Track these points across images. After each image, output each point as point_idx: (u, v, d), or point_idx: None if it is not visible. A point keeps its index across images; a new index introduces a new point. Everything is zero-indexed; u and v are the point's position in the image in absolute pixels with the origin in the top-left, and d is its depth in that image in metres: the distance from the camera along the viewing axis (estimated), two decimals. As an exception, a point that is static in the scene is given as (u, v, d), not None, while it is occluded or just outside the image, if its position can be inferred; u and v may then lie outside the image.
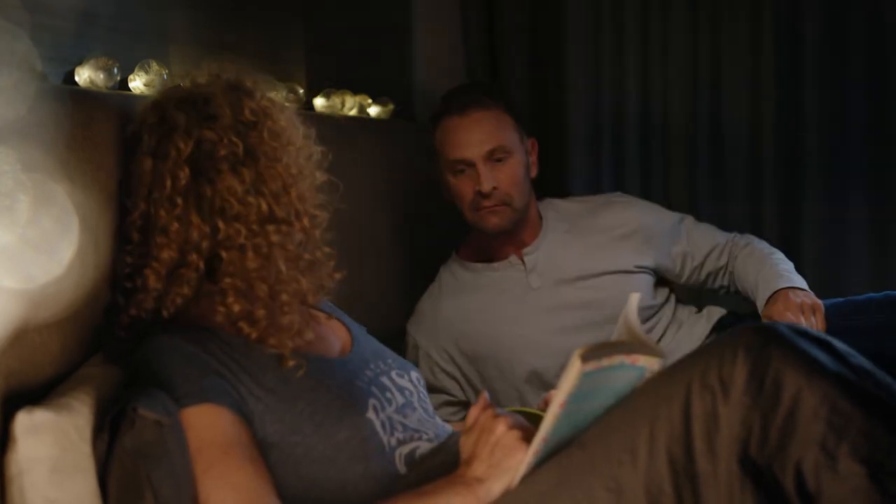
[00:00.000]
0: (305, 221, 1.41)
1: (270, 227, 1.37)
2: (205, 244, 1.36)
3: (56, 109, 1.26)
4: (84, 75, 1.64)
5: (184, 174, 1.35)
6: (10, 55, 1.26)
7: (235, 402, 1.33)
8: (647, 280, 2.19)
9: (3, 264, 1.14)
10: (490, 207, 2.08)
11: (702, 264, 2.24)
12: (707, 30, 2.60)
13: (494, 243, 2.18)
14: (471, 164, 2.07)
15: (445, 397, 2.17)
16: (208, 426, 1.29)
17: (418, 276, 2.40)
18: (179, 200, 1.35)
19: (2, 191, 1.15)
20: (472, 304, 2.16)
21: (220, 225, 1.36)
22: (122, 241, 1.39)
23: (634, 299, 1.28)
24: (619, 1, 2.66)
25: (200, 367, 1.32)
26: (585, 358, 1.16)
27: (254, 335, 1.37)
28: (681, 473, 1.13)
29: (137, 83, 1.75)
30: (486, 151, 2.06)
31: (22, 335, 1.20)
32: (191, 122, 1.38)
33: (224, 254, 1.37)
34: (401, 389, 1.49)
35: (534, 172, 2.18)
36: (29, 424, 1.17)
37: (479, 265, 2.20)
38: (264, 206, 1.38)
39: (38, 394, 1.23)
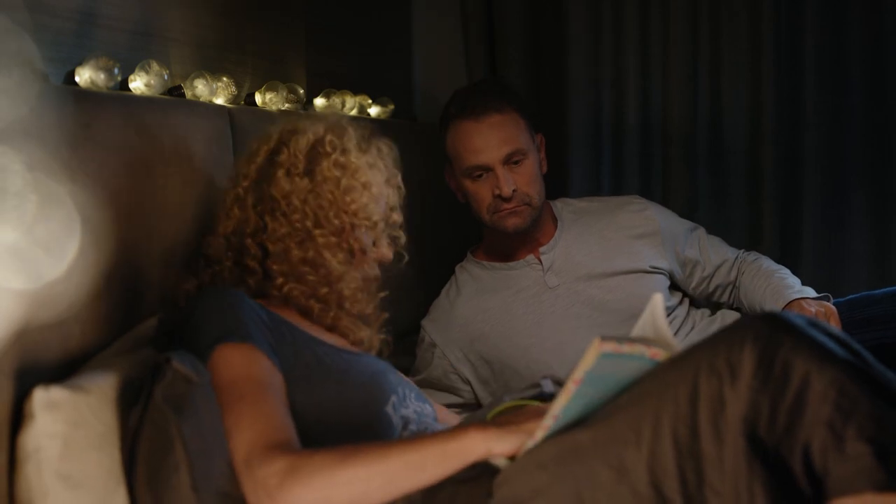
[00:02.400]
0: (355, 247, 1.54)
1: (318, 232, 1.51)
2: (258, 234, 1.52)
3: (57, 110, 1.26)
4: (85, 75, 1.64)
5: (252, 173, 1.54)
6: (11, 55, 1.25)
7: (276, 354, 1.38)
8: (663, 281, 2.19)
9: (7, 264, 1.15)
10: (510, 209, 2.09)
11: (711, 276, 2.26)
12: (707, 30, 2.61)
13: (511, 244, 2.19)
14: (489, 169, 2.09)
15: (453, 398, 2.17)
16: (244, 363, 1.34)
17: (419, 276, 2.40)
18: (242, 192, 1.54)
19: (4, 191, 1.15)
20: (489, 303, 2.17)
21: (268, 220, 1.52)
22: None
23: (659, 300, 1.28)
24: (619, 3, 2.66)
25: (250, 316, 1.39)
26: (605, 338, 1.18)
27: (328, 315, 1.50)
28: (685, 453, 1.14)
29: (138, 83, 1.74)
30: (505, 155, 2.08)
31: (25, 335, 1.20)
32: (279, 139, 1.56)
33: (270, 246, 1.52)
34: (418, 394, 1.56)
35: (544, 168, 2.19)
36: (46, 400, 1.19)
37: (497, 264, 2.22)
38: (309, 217, 1.51)
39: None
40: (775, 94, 2.53)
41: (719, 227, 2.59)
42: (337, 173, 1.53)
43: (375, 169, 1.57)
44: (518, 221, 2.11)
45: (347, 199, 1.53)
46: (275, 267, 1.51)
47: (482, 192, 2.11)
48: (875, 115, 2.49)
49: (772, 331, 1.15)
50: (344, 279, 1.52)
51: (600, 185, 2.70)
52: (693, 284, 2.26)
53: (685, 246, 2.25)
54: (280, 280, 1.50)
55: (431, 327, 2.21)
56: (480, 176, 2.10)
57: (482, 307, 2.17)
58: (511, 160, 2.08)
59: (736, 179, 2.61)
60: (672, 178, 2.66)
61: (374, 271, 1.59)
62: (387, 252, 1.60)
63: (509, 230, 2.12)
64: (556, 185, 2.67)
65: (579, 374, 1.20)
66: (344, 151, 1.55)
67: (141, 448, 1.23)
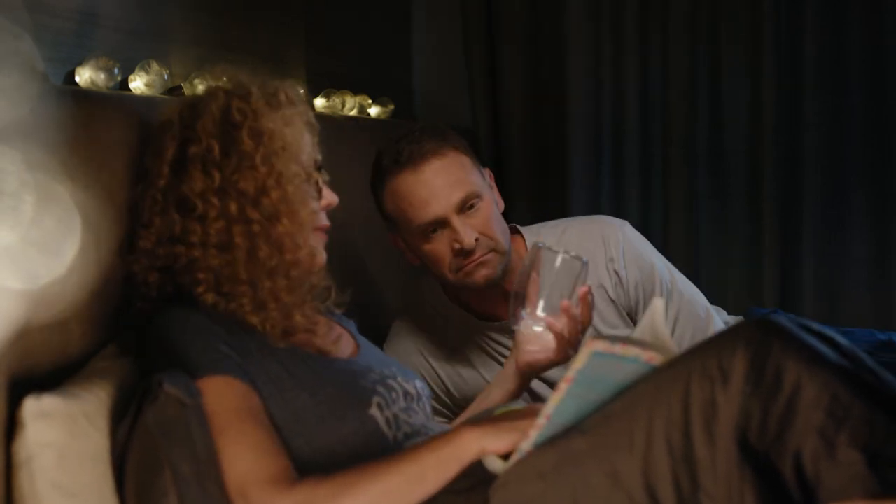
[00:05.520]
0: (285, 223, 1.41)
1: (237, 229, 1.40)
2: (186, 238, 1.40)
3: (57, 110, 1.26)
4: (85, 75, 1.64)
5: (165, 172, 1.40)
6: (11, 56, 1.25)
7: (247, 375, 1.35)
8: None
9: (6, 264, 1.15)
10: (477, 260, 1.78)
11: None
12: (707, 32, 2.61)
13: (484, 299, 1.90)
14: (443, 223, 1.76)
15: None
16: (221, 395, 1.31)
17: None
18: (160, 197, 1.41)
19: (4, 191, 1.15)
20: (463, 359, 1.94)
21: (189, 224, 1.40)
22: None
23: (659, 304, 1.28)
24: (620, 3, 2.66)
25: (214, 339, 1.35)
26: (598, 337, 1.18)
27: (251, 321, 1.40)
28: (678, 459, 1.13)
29: (138, 83, 1.75)
30: (457, 203, 1.75)
31: (25, 334, 1.20)
32: (181, 123, 1.43)
33: (195, 252, 1.40)
34: (405, 393, 1.50)
35: (501, 206, 1.86)
36: (37, 410, 1.18)
37: (472, 319, 1.93)
38: (233, 208, 1.40)
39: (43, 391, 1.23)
40: (775, 94, 2.53)
41: (719, 228, 2.59)
42: (253, 143, 1.40)
43: (292, 125, 1.44)
44: (489, 272, 1.79)
45: (264, 164, 1.40)
46: (200, 275, 1.40)
47: (440, 251, 1.78)
48: (875, 115, 2.49)
49: (764, 335, 1.14)
50: (262, 278, 1.41)
51: (600, 185, 2.70)
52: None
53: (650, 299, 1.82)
54: (234, 297, 1.40)
55: (392, 352, 1.93)
56: (434, 231, 1.77)
57: (455, 359, 1.94)
58: (466, 206, 1.76)
59: (736, 179, 2.60)
60: (672, 178, 2.66)
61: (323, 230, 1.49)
62: (328, 195, 1.50)
63: (481, 284, 1.80)
64: (556, 185, 2.68)
65: (571, 372, 1.20)
66: (256, 115, 1.41)
67: (130, 463, 1.22)
